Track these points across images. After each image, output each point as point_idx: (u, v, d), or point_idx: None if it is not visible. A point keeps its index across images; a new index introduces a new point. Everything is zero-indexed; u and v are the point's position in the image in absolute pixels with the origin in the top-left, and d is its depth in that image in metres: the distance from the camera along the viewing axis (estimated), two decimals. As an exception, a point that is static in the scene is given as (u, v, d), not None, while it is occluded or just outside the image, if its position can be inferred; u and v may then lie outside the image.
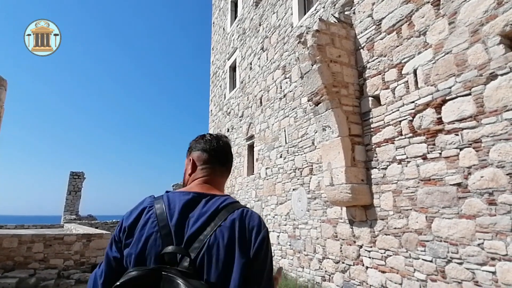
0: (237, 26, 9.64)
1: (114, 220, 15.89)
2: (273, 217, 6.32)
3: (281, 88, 6.58)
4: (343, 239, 4.38)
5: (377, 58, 4.08)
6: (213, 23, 12.34)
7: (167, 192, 0.90)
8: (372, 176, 3.96)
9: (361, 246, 4.05)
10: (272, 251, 0.92)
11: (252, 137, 7.80)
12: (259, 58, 7.82)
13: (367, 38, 4.27)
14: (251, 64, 8.30)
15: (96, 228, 12.42)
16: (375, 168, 3.93)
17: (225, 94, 10.15)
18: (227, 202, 0.85)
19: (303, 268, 5.22)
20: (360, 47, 4.39)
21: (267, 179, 6.72)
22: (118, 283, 0.70)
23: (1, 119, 7.71)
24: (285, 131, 6.23)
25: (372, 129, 4.04)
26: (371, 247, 3.89)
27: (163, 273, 0.71)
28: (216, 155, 0.97)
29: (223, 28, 11.04)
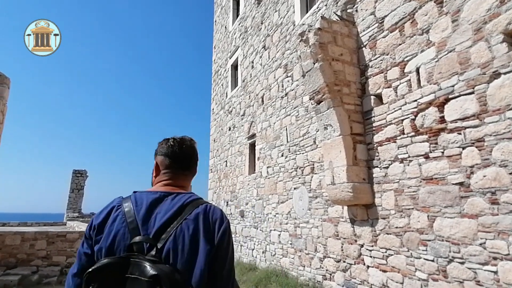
0: (239, 24, 9.62)
1: (116, 218, 15.97)
2: (274, 215, 6.32)
3: (282, 86, 6.56)
4: (344, 238, 4.37)
5: (379, 57, 4.05)
6: (215, 21, 12.33)
7: (134, 192, 0.97)
8: (373, 175, 3.94)
9: (362, 245, 4.04)
10: (234, 241, 1.00)
11: (253, 135, 7.79)
12: (261, 57, 7.81)
13: (370, 36, 4.25)
14: (252, 62, 8.29)
15: (99, 226, 12.49)
16: (377, 167, 3.91)
17: (226, 93, 10.15)
18: (192, 199, 0.94)
19: (304, 267, 5.21)
20: (362, 45, 4.37)
21: (269, 178, 6.72)
22: (90, 270, 0.78)
23: (4, 117, 7.75)
24: (286, 129, 6.21)
25: (374, 128, 4.02)
26: (372, 246, 3.88)
27: (131, 259, 0.79)
28: (177, 160, 1.02)
29: (225, 27, 11.03)
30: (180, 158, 1.03)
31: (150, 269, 0.75)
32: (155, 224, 0.87)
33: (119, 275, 0.78)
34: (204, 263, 0.83)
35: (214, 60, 11.87)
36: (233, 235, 8.45)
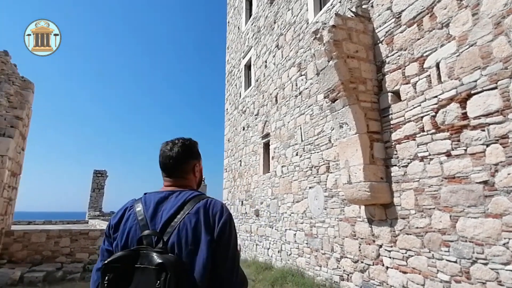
0: (252, 24, 9.63)
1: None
2: (290, 215, 6.29)
3: (296, 85, 6.52)
4: (361, 238, 4.30)
5: (396, 52, 3.96)
6: (228, 22, 12.40)
7: (145, 194, 1.08)
8: (392, 174, 3.86)
9: (380, 246, 3.96)
10: (237, 233, 1.07)
11: (267, 135, 7.79)
12: (274, 56, 7.79)
13: (386, 32, 4.15)
14: (266, 62, 8.28)
15: (118, 224, 12.86)
16: (395, 165, 3.82)
17: (240, 93, 10.19)
18: (194, 195, 1.03)
19: (321, 267, 5.17)
20: (378, 41, 4.27)
21: (283, 177, 6.70)
22: (105, 262, 0.88)
23: (30, 120, 8.11)
24: (301, 128, 6.17)
25: (391, 126, 3.93)
26: (391, 246, 3.79)
27: (141, 251, 0.89)
28: (166, 166, 1.12)
29: (238, 27, 11.07)
30: (169, 164, 1.11)
31: (157, 258, 0.84)
32: (161, 219, 0.97)
33: (131, 266, 0.87)
34: (206, 253, 0.90)
35: (228, 60, 11.94)
36: (248, 234, 8.47)
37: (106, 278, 0.86)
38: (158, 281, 0.81)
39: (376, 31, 4.33)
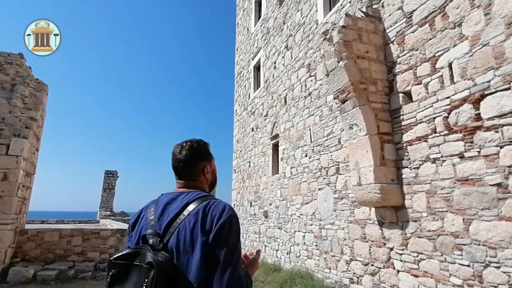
0: (261, 25, 9.66)
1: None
2: (299, 216, 6.27)
3: (305, 86, 6.50)
4: (372, 241, 4.25)
5: (408, 52, 3.91)
6: (237, 24, 12.47)
7: (161, 194, 1.13)
8: (403, 176, 3.80)
9: (391, 249, 3.90)
10: (241, 233, 1.11)
11: (276, 136, 7.78)
12: (283, 57, 7.79)
13: (397, 32, 4.11)
14: (275, 63, 8.29)
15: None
16: (407, 167, 3.77)
17: (249, 94, 10.22)
18: (199, 196, 1.05)
19: (330, 269, 5.13)
20: (389, 42, 4.23)
21: (292, 179, 6.68)
22: (111, 258, 0.95)
23: (43, 121, 8.32)
24: (310, 130, 6.15)
25: (403, 127, 3.88)
26: (402, 250, 3.74)
27: (141, 250, 0.94)
28: (176, 169, 1.16)
29: (247, 29, 11.12)
30: (178, 167, 1.15)
31: (149, 257, 0.88)
32: (166, 220, 1.00)
33: (131, 263, 0.92)
34: (200, 254, 0.92)
35: (237, 62, 12.00)
36: (256, 236, 8.45)
37: (110, 273, 0.92)
38: (146, 279, 0.85)
39: (387, 31, 4.28)
